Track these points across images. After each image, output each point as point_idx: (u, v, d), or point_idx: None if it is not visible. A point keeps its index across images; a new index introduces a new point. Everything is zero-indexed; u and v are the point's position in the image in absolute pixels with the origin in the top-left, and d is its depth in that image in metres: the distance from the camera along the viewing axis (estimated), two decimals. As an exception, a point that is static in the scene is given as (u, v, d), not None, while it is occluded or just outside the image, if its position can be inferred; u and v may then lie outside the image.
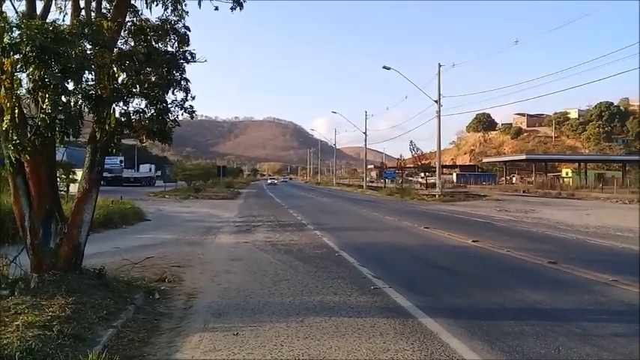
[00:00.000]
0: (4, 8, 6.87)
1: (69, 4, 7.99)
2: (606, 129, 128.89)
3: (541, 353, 5.72)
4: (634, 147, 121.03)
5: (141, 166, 77.88)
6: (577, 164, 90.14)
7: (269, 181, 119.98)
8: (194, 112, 8.16)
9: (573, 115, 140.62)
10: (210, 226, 20.75)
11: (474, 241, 15.49)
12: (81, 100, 6.59)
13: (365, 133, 75.79)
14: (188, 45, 8.42)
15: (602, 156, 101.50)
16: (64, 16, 7.90)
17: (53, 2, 7.91)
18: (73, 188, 17.61)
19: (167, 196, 41.94)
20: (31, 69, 5.71)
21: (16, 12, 7.02)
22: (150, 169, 76.73)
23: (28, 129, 6.45)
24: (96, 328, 6.06)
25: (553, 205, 36.97)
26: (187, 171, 56.11)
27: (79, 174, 8.28)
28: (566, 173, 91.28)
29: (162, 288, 8.89)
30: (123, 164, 67.46)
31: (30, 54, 5.61)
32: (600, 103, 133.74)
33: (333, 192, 68.67)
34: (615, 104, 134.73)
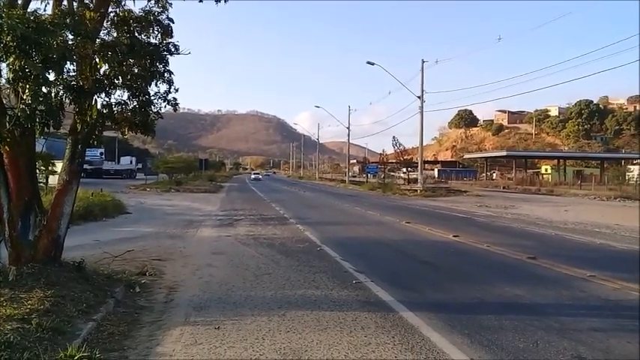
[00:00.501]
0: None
1: (50, -6, 7.84)
2: (585, 127, 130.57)
3: (520, 347, 5.80)
4: (612, 145, 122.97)
5: (122, 158, 77.13)
6: (556, 161, 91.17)
7: (252, 176, 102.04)
8: (177, 104, 8.09)
9: (554, 112, 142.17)
10: (192, 219, 20.64)
11: (454, 236, 15.62)
12: (62, 91, 6.50)
13: (348, 128, 75.98)
14: (172, 37, 8.32)
15: (581, 153, 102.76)
16: (46, 5, 7.75)
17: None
18: (53, 180, 17.41)
19: (148, 189, 41.63)
20: (11, 59, 5.61)
21: (-3, 0, 6.90)
22: (131, 162, 76.04)
23: (7, 119, 6.34)
24: (75, 322, 6.01)
25: (532, 201, 37.40)
26: (169, 164, 55.67)
27: (59, 166, 8.19)
28: (546, 170, 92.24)
29: (143, 281, 8.83)
30: (103, 156, 66.67)
31: (11, 44, 5.50)
32: (580, 101, 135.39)
33: (316, 186, 68.71)
34: (595, 102, 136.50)
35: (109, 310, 6.91)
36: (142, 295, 8.06)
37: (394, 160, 68.76)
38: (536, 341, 6.01)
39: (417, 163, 54.21)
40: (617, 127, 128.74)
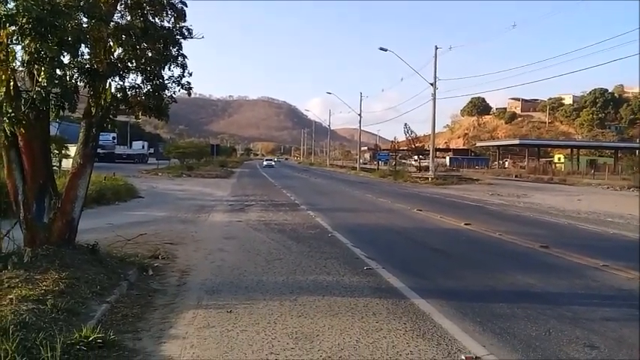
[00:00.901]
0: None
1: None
2: (600, 116, 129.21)
3: (532, 335, 5.79)
4: (627, 134, 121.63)
5: (134, 142, 77.37)
6: (570, 150, 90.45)
7: (265, 163, 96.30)
8: (191, 88, 8.10)
9: (568, 101, 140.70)
10: (204, 204, 20.73)
11: (466, 224, 15.57)
12: (77, 74, 6.51)
13: (359, 114, 75.60)
14: (185, 21, 8.29)
15: (595, 142, 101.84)
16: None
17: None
18: (66, 164, 17.55)
19: (160, 174, 41.81)
20: (27, 41, 5.62)
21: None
22: (143, 146, 76.31)
23: (22, 102, 6.37)
24: (89, 303, 6.07)
25: (545, 190, 37.16)
26: (180, 149, 56.02)
27: (72, 150, 8.22)
28: (559, 159, 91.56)
29: (156, 265, 8.90)
30: (115, 141, 66.96)
31: (26, 26, 5.51)
32: (595, 89, 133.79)
33: (327, 173, 68.68)
34: (610, 91, 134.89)
35: (123, 292, 6.97)
36: (155, 278, 8.12)
37: (406, 148, 68.66)
38: (548, 330, 5.99)
39: (429, 150, 53.99)
40: (631, 117, 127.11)
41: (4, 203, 10.79)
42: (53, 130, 8.82)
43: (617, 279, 8.85)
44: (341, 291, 7.54)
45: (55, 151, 18.66)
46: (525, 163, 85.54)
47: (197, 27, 8.23)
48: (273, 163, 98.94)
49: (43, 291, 5.90)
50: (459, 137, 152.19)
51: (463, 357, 5.06)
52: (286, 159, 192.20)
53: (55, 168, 15.52)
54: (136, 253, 9.52)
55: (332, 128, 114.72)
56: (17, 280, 6.19)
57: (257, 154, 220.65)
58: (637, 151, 79.14)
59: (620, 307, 7.16)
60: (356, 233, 13.41)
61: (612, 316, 6.71)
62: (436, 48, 45.65)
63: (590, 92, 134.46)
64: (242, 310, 6.44)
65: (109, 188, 20.12)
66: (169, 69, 7.90)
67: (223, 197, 24.60)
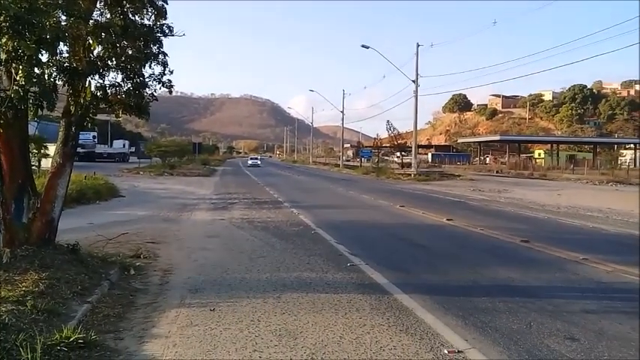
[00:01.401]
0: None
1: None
2: (579, 111, 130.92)
3: (513, 329, 5.86)
4: (605, 129, 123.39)
5: (114, 141, 76.66)
6: (549, 145, 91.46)
7: (250, 162, 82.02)
8: (172, 86, 8.04)
9: (547, 97, 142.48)
10: (186, 202, 20.62)
11: (448, 220, 15.69)
12: (55, 73, 6.44)
13: (342, 111, 75.63)
14: (165, 18, 8.21)
15: (574, 138, 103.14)
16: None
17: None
18: (45, 163, 17.32)
19: (141, 173, 41.49)
20: (4, 39, 5.53)
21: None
22: (124, 145, 75.61)
23: (0, 101, 6.28)
24: (70, 304, 6.02)
25: (525, 185, 37.54)
26: (162, 147, 55.43)
27: (51, 149, 8.13)
28: (539, 154, 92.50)
29: (138, 264, 8.83)
30: (96, 140, 66.22)
31: (3, 24, 5.42)
32: (574, 85, 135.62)
33: (310, 170, 68.68)
34: (589, 87, 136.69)
35: (104, 292, 6.92)
36: (137, 277, 8.07)
37: (388, 145, 68.88)
38: (529, 323, 6.07)
39: (411, 147, 54.25)
40: (610, 112, 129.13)
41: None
42: (32, 129, 8.72)
43: (596, 272, 8.98)
44: (324, 288, 7.56)
45: (34, 151, 18.42)
46: (506, 158, 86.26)
47: (178, 24, 8.18)
48: (259, 162, 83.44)
49: (22, 292, 5.85)
50: (440, 134, 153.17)
51: (446, 351, 5.11)
52: (270, 157, 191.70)
53: (34, 168, 15.34)
54: (118, 252, 9.45)
55: (315, 126, 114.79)
56: (-4, 281, 6.11)
57: (240, 152, 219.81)
58: (615, 147, 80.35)
59: (601, 300, 7.26)
60: (339, 230, 13.44)
61: (592, 308, 6.81)
62: (417, 45, 45.87)
63: (570, 88, 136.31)
64: (225, 309, 6.43)
65: (89, 187, 19.93)
66: (150, 67, 7.83)
67: (206, 195, 24.49)
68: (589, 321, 6.21)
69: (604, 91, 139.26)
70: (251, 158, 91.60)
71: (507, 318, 6.24)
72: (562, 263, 9.68)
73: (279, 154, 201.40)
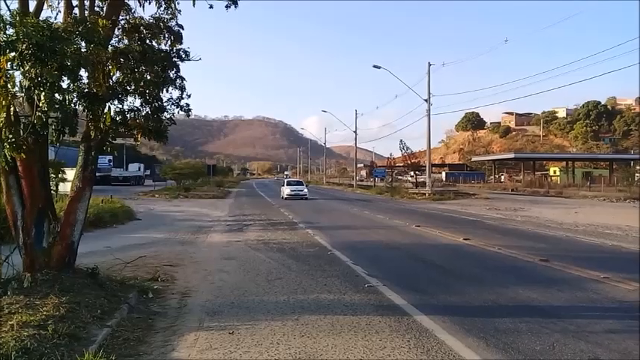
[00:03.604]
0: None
1: (62, 2, 7.92)
2: (593, 128, 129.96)
3: (536, 350, 5.77)
4: (621, 146, 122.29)
5: (130, 165, 77.31)
6: (565, 163, 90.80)
7: (289, 192, 43.53)
8: (190, 110, 8.17)
9: (561, 114, 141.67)
10: (202, 225, 20.68)
11: (465, 239, 15.57)
12: (76, 98, 6.56)
13: (355, 132, 75.92)
14: (181, 43, 8.38)
15: (590, 155, 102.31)
16: (57, 14, 7.84)
17: (45, 0, 7.85)
18: (63, 188, 17.50)
19: (157, 195, 41.74)
20: (27, 67, 5.67)
21: (9, 10, 6.96)
22: (139, 168, 76.19)
23: (22, 127, 6.40)
24: (90, 328, 6.04)
25: (542, 203, 37.23)
26: (177, 170, 55.84)
27: (69, 173, 8.22)
28: (554, 172, 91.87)
29: (156, 287, 8.85)
30: (112, 163, 66.90)
31: (26, 52, 5.56)
32: (588, 102, 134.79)
33: (324, 191, 68.64)
34: (603, 103, 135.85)
35: (123, 316, 6.93)
36: (155, 300, 8.08)
37: (402, 164, 68.71)
38: (552, 344, 5.97)
39: (425, 166, 54.10)
40: (625, 128, 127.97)
41: (2, 229, 10.78)
42: (51, 154, 8.84)
43: (618, 291, 8.84)
44: (343, 309, 7.52)
45: (52, 175, 18.63)
46: (521, 176, 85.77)
47: (194, 49, 8.32)
48: (306, 191, 44.95)
49: (43, 316, 5.87)
50: (454, 152, 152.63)
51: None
52: (288, 176, 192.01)
53: (52, 192, 15.50)
54: (136, 275, 9.48)
55: (328, 146, 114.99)
56: (17, 305, 6.16)
57: (253, 174, 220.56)
58: (631, 163, 79.55)
59: (623, 320, 7.16)
60: (355, 251, 13.38)
61: (615, 328, 6.69)
62: (429, 65, 46.05)
63: (584, 105, 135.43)
64: (244, 331, 6.40)
65: (106, 211, 20.08)
66: (168, 91, 7.97)
67: (221, 217, 24.55)
68: (613, 341, 6.10)
69: (618, 107, 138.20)
70: (290, 183, 47.78)
71: (530, 339, 6.15)
72: (582, 282, 9.54)
73: (291, 175, 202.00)
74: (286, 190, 43.33)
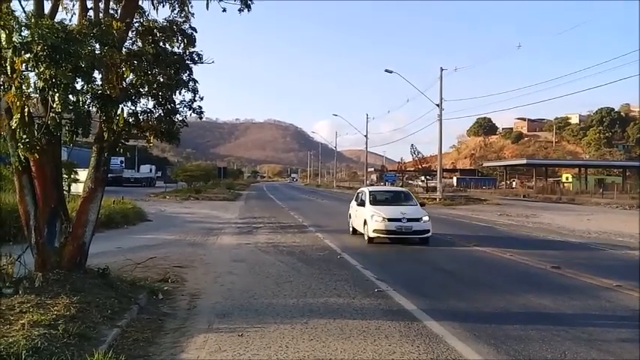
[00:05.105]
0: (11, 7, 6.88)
1: (76, 5, 8.00)
2: (607, 134, 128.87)
3: (547, 358, 5.72)
4: (634, 153, 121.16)
5: (141, 166, 77.69)
6: (577, 169, 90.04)
7: (380, 223, 15.51)
8: (202, 112, 8.20)
9: (574, 120, 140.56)
10: (212, 227, 20.74)
11: (475, 245, 15.48)
12: (90, 100, 6.61)
13: (366, 136, 75.73)
14: (194, 46, 8.43)
15: (603, 161, 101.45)
16: (72, 16, 7.92)
17: (60, 2, 7.93)
18: (75, 188, 17.63)
19: (168, 197, 41.90)
20: (42, 68, 5.72)
21: (24, 11, 7.03)
22: (150, 170, 76.60)
23: (36, 128, 6.46)
24: (101, 328, 6.07)
25: (554, 209, 36.94)
26: (188, 172, 56.10)
27: (81, 174, 8.28)
28: (567, 178, 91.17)
29: (166, 288, 8.88)
30: (123, 164, 67.28)
31: (41, 53, 5.62)
32: (601, 108, 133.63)
33: (334, 194, 68.54)
34: (616, 110, 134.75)
35: (133, 316, 6.96)
36: (165, 301, 8.11)
37: (412, 168, 68.67)
38: (564, 352, 5.92)
39: (436, 171, 53.92)
40: (639, 135, 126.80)
41: (14, 228, 10.87)
42: (64, 154, 8.92)
43: (631, 299, 8.75)
44: (352, 314, 7.50)
45: (65, 176, 18.78)
46: (533, 182, 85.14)
47: (206, 52, 8.36)
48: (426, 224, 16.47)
49: (54, 316, 5.91)
50: (465, 157, 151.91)
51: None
52: (294, 179, 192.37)
53: (64, 192, 15.62)
54: (146, 276, 9.52)
55: (338, 150, 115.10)
56: (28, 305, 6.20)
57: (264, 177, 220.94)
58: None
59: (636, 328, 7.07)
60: (365, 255, 13.36)
61: (628, 336, 6.63)
62: (441, 69, 45.81)
63: (597, 111, 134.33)
64: (253, 334, 6.40)
65: (117, 212, 20.18)
66: (180, 93, 8.01)
67: (231, 220, 24.61)
68: (626, 350, 6.04)
69: (632, 113, 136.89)
70: (379, 198, 18.97)
71: (541, 346, 6.10)
72: (595, 290, 9.46)
73: (302, 179, 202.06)
74: (376, 219, 16.00)
